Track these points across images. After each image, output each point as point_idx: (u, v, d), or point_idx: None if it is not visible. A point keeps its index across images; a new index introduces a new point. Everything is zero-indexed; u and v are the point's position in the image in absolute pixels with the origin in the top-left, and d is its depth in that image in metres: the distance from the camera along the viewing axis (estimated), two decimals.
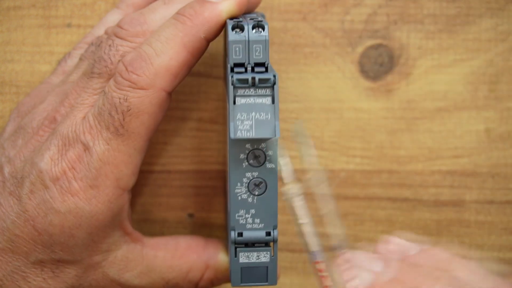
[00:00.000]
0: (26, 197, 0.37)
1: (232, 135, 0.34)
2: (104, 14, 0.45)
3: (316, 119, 0.45)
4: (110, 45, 0.38)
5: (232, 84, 0.34)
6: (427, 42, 0.45)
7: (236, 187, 0.36)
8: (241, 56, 0.35)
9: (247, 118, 0.34)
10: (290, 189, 0.34)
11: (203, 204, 0.46)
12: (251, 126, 0.34)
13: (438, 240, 0.46)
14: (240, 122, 0.34)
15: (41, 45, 0.45)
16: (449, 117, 0.45)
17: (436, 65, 0.45)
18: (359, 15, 0.45)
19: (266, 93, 0.34)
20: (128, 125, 0.36)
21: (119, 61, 0.37)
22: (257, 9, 0.43)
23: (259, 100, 0.34)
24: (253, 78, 0.34)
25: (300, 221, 0.34)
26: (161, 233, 0.46)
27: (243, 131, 0.34)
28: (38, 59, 0.45)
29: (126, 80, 0.36)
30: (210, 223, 0.46)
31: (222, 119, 0.45)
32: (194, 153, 0.46)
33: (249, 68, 0.35)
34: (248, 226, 0.36)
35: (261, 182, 0.36)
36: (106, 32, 0.40)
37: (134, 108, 0.36)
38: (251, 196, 0.36)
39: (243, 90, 0.34)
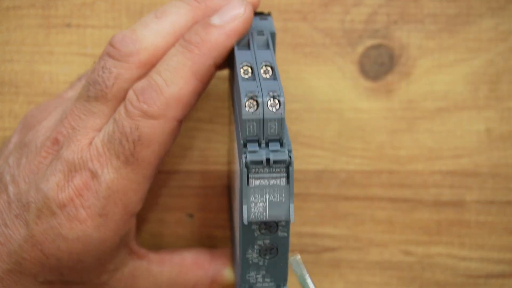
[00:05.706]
0: (33, 223, 0.36)
1: (245, 220, 0.33)
2: (103, 14, 0.45)
3: (316, 119, 0.45)
4: (103, 67, 0.37)
5: (245, 165, 0.32)
6: (428, 42, 0.45)
7: (247, 253, 0.35)
8: (255, 133, 0.33)
9: (260, 200, 0.33)
10: None
11: (203, 204, 0.46)
12: (264, 209, 0.33)
13: (438, 241, 0.46)
14: (253, 204, 0.33)
15: (40, 45, 0.45)
16: (449, 117, 0.45)
17: (437, 65, 0.45)
18: (359, 15, 0.45)
19: (281, 174, 0.33)
20: (139, 154, 0.36)
21: (113, 84, 0.36)
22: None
23: (273, 182, 0.33)
24: (268, 160, 0.32)
25: None
26: (160, 233, 0.46)
27: (256, 214, 0.33)
28: (37, 59, 0.45)
29: (137, 109, 0.35)
30: (210, 223, 0.46)
31: (222, 119, 0.45)
32: (194, 153, 0.45)
33: (263, 144, 0.33)
34: (259, 284, 0.35)
35: (272, 248, 0.35)
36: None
37: (145, 138, 0.35)
38: (262, 259, 0.35)
39: (256, 170, 0.33)
